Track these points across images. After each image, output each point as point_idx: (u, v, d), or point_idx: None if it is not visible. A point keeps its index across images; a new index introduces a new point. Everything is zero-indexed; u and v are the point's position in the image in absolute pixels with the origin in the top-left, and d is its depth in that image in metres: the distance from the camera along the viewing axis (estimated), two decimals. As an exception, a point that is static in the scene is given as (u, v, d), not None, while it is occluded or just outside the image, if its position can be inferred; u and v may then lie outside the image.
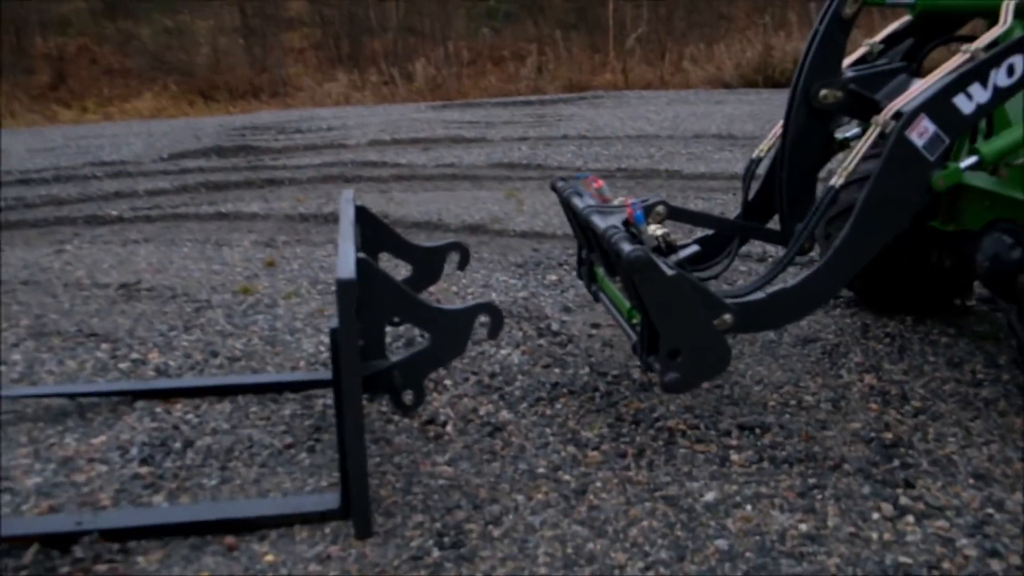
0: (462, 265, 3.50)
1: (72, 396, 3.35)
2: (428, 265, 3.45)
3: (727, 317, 2.62)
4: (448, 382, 3.38)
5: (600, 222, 2.80)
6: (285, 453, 2.90)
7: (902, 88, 3.06)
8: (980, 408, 3.01)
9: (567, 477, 2.65)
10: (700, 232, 3.57)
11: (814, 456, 2.71)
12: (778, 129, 3.30)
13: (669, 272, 2.48)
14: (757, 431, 2.89)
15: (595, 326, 3.94)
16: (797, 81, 3.09)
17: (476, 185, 7.64)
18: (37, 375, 3.68)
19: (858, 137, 3.63)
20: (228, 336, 4.06)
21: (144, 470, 2.81)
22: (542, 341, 3.78)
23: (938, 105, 2.74)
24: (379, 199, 7.03)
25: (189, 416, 3.19)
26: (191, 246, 5.90)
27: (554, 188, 3.46)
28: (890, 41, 3.40)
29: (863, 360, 3.42)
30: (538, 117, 12.08)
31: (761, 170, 3.40)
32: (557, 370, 3.47)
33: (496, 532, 2.39)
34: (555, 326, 3.95)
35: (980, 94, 2.75)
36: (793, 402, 3.10)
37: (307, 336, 4.02)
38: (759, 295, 2.77)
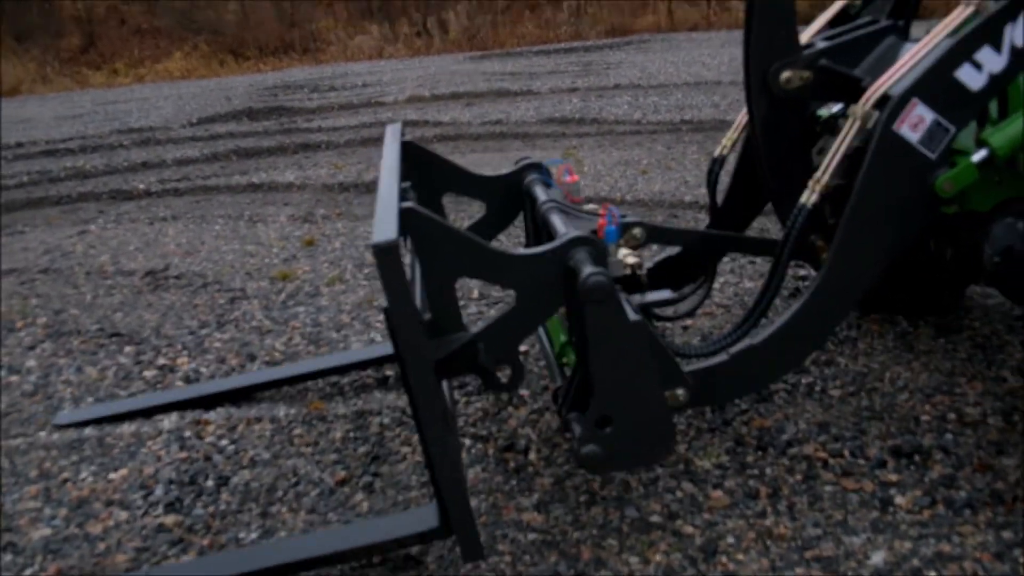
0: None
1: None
2: (504, 198, 2.76)
3: (680, 393, 2.02)
4: (525, 392, 2.85)
5: (561, 225, 2.17)
6: (338, 493, 2.40)
7: (891, 57, 2.35)
8: None
9: (689, 529, 2.12)
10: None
11: (1000, 496, 2.14)
12: (743, 118, 2.61)
13: (632, 316, 1.88)
14: (917, 459, 2.32)
15: (687, 315, 3.37)
16: (747, 62, 2.38)
17: (528, 144, 7.03)
18: (53, 386, 3.23)
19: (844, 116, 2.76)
20: (266, 334, 3.57)
21: (170, 519, 2.33)
22: (629, 336, 3.23)
23: (936, 83, 2.03)
24: (423, 163, 6.47)
25: (223, 442, 2.71)
26: (223, 223, 5.41)
27: (517, 168, 2.76)
28: None
29: (1027, 357, 2.82)
30: (584, 65, 11.38)
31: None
32: (652, 374, 2.92)
33: (610, 613, 1.87)
34: (642, 316, 3.39)
35: (993, 61, 2.02)
36: (952, 416, 2.52)
37: (355, 332, 3.52)
38: (721, 357, 2.14)
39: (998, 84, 2.07)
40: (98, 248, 5.03)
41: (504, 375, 2.03)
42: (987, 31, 2.02)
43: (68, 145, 8.49)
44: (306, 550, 2.02)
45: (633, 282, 2.21)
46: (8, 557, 2.22)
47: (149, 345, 3.54)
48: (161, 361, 3.38)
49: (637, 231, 2.38)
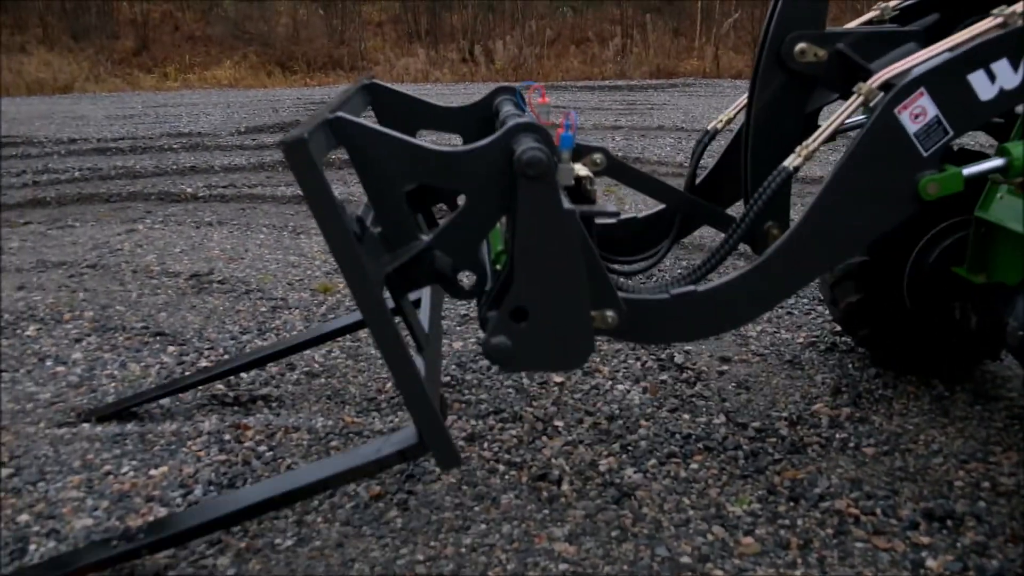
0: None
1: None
2: (478, 128, 2.60)
3: (609, 315, 1.97)
4: (559, 423, 2.89)
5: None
6: (372, 507, 2.44)
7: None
8: None
9: (719, 573, 2.13)
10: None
11: (1033, 568, 2.14)
12: (744, 99, 2.61)
13: (565, 205, 1.78)
14: (949, 524, 2.33)
15: (724, 360, 3.41)
16: (766, 34, 2.37)
17: (570, 178, 7.10)
18: (97, 380, 3.30)
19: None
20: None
21: (209, 519, 2.38)
22: (665, 376, 3.26)
23: (946, 79, 2.00)
24: (466, 189, 6.57)
25: (262, 448, 2.77)
26: (267, 232, 5.52)
27: (488, 95, 2.65)
28: (909, 12, 2.62)
29: (1064, 430, 2.82)
30: (628, 104, 11.48)
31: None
32: (687, 416, 2.95)
33: (638, 651, 1.90)
34: (679, 358, 3.42)
35: (1008, 76, 2.01)
36: (986, 484, 2.52)
37: (394, 351, 3.57)
38: (661, 295, 2.09)
39: (1007, 101, 2.06)
40: (145, 247, 5.14)
41: (468, 281, 1.96)
42: (1010, 44, 2.02)
43: (119, 145, 8.69)
44: (294, 481, 2.05)
45: (581, 196, 2.12)
46: (51, 544, 2.27)
47: (192, 346, 3.62)
48: (203, 363, 3.45)
49: (598, 156, 2.31)
